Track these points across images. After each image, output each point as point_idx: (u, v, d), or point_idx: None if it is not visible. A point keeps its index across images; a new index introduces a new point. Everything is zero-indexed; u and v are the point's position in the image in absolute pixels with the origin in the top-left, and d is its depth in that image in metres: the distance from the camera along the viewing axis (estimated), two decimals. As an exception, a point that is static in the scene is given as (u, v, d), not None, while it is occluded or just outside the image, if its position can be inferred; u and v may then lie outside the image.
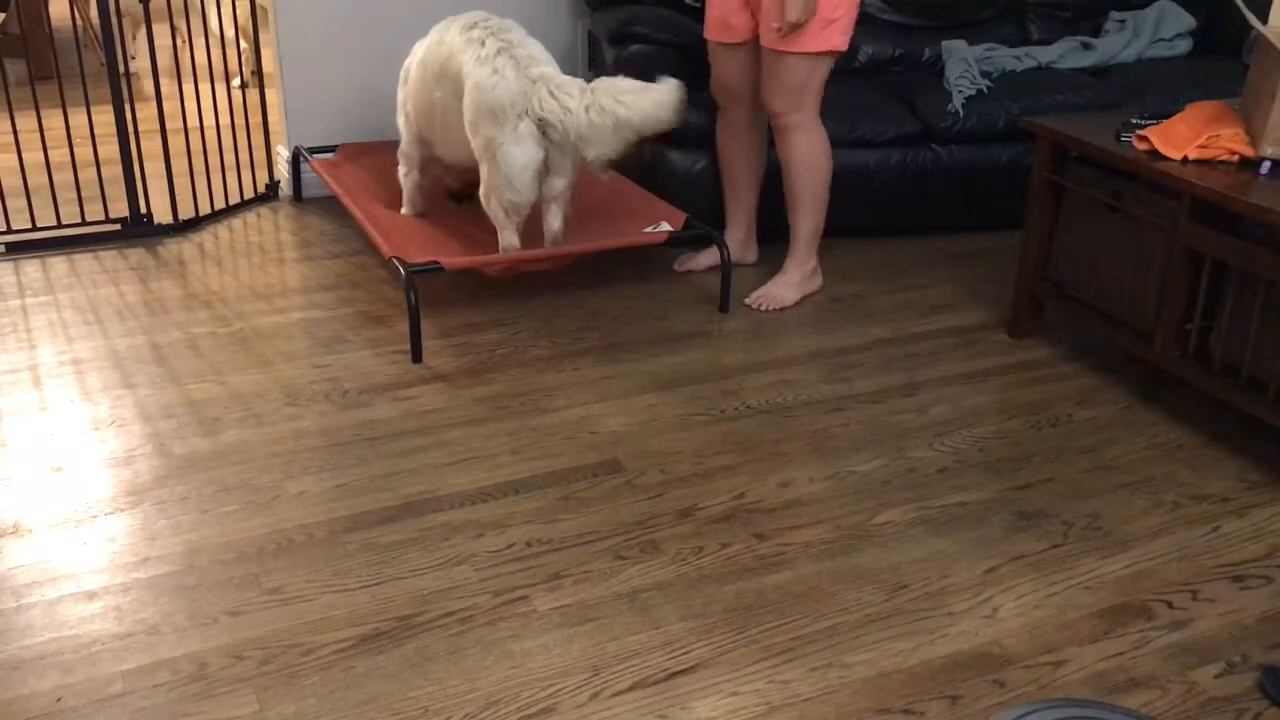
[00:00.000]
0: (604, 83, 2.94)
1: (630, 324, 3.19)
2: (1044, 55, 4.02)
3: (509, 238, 3.11)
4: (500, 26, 3.05)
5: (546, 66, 2.98)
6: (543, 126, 2.94)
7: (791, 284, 3.29)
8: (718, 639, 1.98)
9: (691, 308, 3.29)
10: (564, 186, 3.11)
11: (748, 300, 3.24)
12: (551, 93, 2.90)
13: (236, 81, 4.99)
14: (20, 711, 1.79)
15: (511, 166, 2.97)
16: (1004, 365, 3.00)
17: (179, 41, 4.87)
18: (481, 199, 3.11)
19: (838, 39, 3.02)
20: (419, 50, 3.26)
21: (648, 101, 2.88)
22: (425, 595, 2.07)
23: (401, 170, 3.45)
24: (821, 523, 2.31)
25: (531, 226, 3.17)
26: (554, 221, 3.17)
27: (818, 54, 3.03)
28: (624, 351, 3.02)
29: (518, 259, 3.13)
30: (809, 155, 3.16)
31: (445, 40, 3.11)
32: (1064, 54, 4.05)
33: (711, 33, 3.24)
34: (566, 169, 3.05)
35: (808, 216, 3.23)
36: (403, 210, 3.48)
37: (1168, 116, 2.73)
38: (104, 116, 3.61)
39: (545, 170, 3.02)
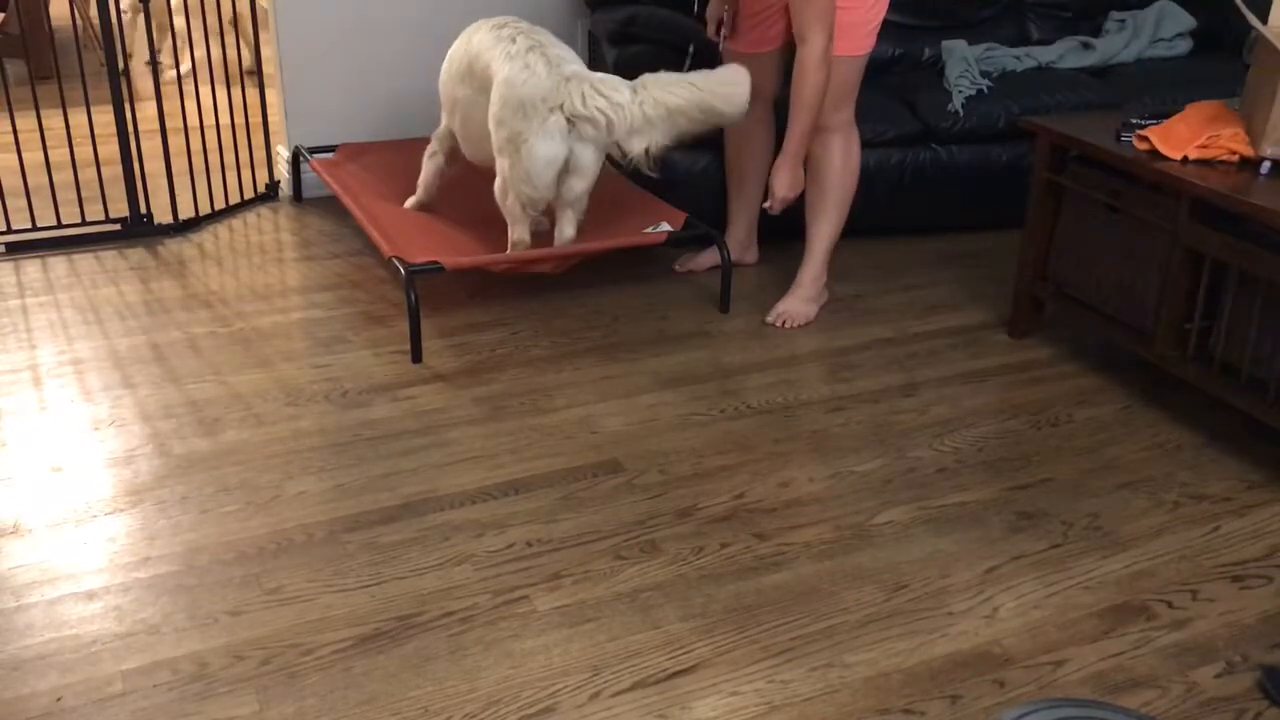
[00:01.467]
0: (649, 78, 2.96)
1: (630, 324, 3.19)
2: (1044, 55, 4.02)
3: (520, 232, 3.11)
4: (530, 28, 3.06)
5: (577, 66, 2.99)
6: (574, 124, 2.94)
7: (809, 298, 3.23)
8: (718, 639, 1.98)
9: (691, 308, 3.29)
10: (582, 190, 3.09)
11: (769, 319, 3.19)
12: (596, 89, 2.91)
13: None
14: (20, 711, 1.79)
15: (535, 161, 2.96)
16: (1004, 365, 3.00)
17: (178, 42, 4.87)
18: (496, 194, 3.11)
19: (875, 40, 3.06)
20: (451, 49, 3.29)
21: (715, 81, 2.92)
22: (425, 595, 2.07)
23: (429, 150, 3.46)
24: (821, 523, 2.31)
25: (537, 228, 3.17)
26: (567, 228, 3.16)
27: (862, 55, 3.04)
28: (624, 351, 3.02)
29: (518, 259, 3.12)
30: (849, 157, 3.14)
31: (472, 40, 3.13)
32: (1064, 54, 4.05)
33: (744, 46, 3.22)
34: (587, 171, 3.04)
35: (830, 223, 3.19)
36: (409, 201, 3.48)
37: (1168, 116, 2.73)
38: (104, 116, 3.61)
39: (566, 170, 3.01)
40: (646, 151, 2.97)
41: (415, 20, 3.99)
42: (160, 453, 2.50)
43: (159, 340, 3.02)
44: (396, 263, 2.97)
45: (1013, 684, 1.90)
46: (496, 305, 3.27)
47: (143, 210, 3.72)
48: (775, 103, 3.30)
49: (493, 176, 3.10)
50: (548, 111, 2.91)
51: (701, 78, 2.95)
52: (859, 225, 3.40)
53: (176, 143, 3.78)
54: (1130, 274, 2.73)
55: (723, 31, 3.25)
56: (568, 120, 2.93)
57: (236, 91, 3.94)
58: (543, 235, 3.22)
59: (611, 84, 2.93)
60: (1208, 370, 2.58)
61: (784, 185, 3.03)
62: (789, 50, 3.12)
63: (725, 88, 2.94)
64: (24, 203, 3.62)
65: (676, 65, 3.57)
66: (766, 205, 3.10)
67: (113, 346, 2.98)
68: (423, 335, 2.95)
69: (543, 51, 2.96)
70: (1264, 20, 3.63)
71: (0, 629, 1.96)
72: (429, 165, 3.46)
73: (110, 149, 3.65)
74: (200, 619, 2.00)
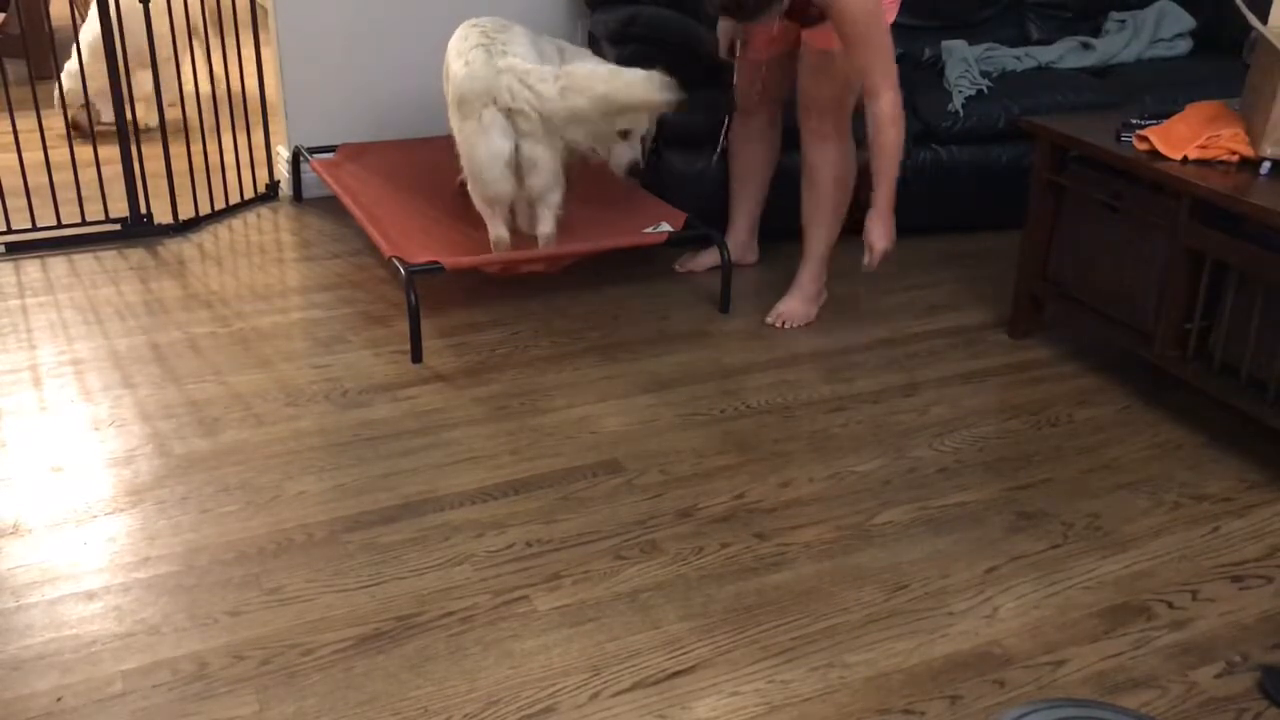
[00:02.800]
0: (576, 65, 2.98)
1: (630, 324, 3.19)
2: (1044, 55, 4.02)
3: (496, 229, 3.10)
4: (497, 27, 3.06)
5: (515, 58, 2.95)
6: (512, 117, 2.93)
7: (809, 298, 3.22)
8: (718, 639, 1.98)
9: (691, 308, 3.29)
10: (543, 186, 3.05)
11: (769, 319, 3.18)
12: (521, 80, 2.89)
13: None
14: (20, 711, 1.79)
15: (477, 158, 2.97)
16: (1004, 365, 3.00)
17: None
18: (470, 192, 3.12)
19: None
20: None
21: (625, 78, 2.92)
22: (425, 595, 2.07)
23: None
24: (821, 523, 2.31)
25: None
26: (543, 226, 3.13)
27: None
28: (624, 351, 3.02)
29: (518, 259, 3.12)
30: (845, 162, 3.12)
31: (450, 40, 3.15)
32: (1064, 54, 4.05)
33: (751, 51, 3.19)
34: (541, 166, 3.00)
35: (827, 226, 3.17)
36: None
37: (1168, 116, 2.73)
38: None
39: (518, 165, 2.99)
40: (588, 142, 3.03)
41: (415, 20, 3.99)
42: (160, 453, 2.50)
43: (159, 340, 3.02)
44: (396, 263, 2.97)
45: (1013, 684, 1.90)
46: (496, 305, 3.27)
47: (143, 210, 3.71)
48: (778, 105, 3.30)
49: None
50: (480, 107, 2.90)
51: (616, 71, 2.96)
52: (859, 225, 3.40)
53: (176, 142, 3.78)
54: (1130, 274, 2.73)
55: (736, 50, 3.23)
56: (506, 115, 2.92)
57: (236, 91, 3.94)
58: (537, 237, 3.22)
59: (539, 74, 2.91)
60: (1208, 370, 2.58)
61: (882, 238, 2.94)
62: (791, 55, 3.12)
63: (641, 83, 2.92)
64: (24, 203, 3.62)
65: (676, 66, 3.57)
66: (866, 262, 2.96)
67: (113, 346, 2.98)
68: (423, 335, 2.95)
69: (487, 48, 2.95)
70: (1264, 20, 3.63)
71: (0, 629, 1.96)
72: None
73: (110, 149, 3.65)
74: (200, 619, 2.00)
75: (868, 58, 2.82)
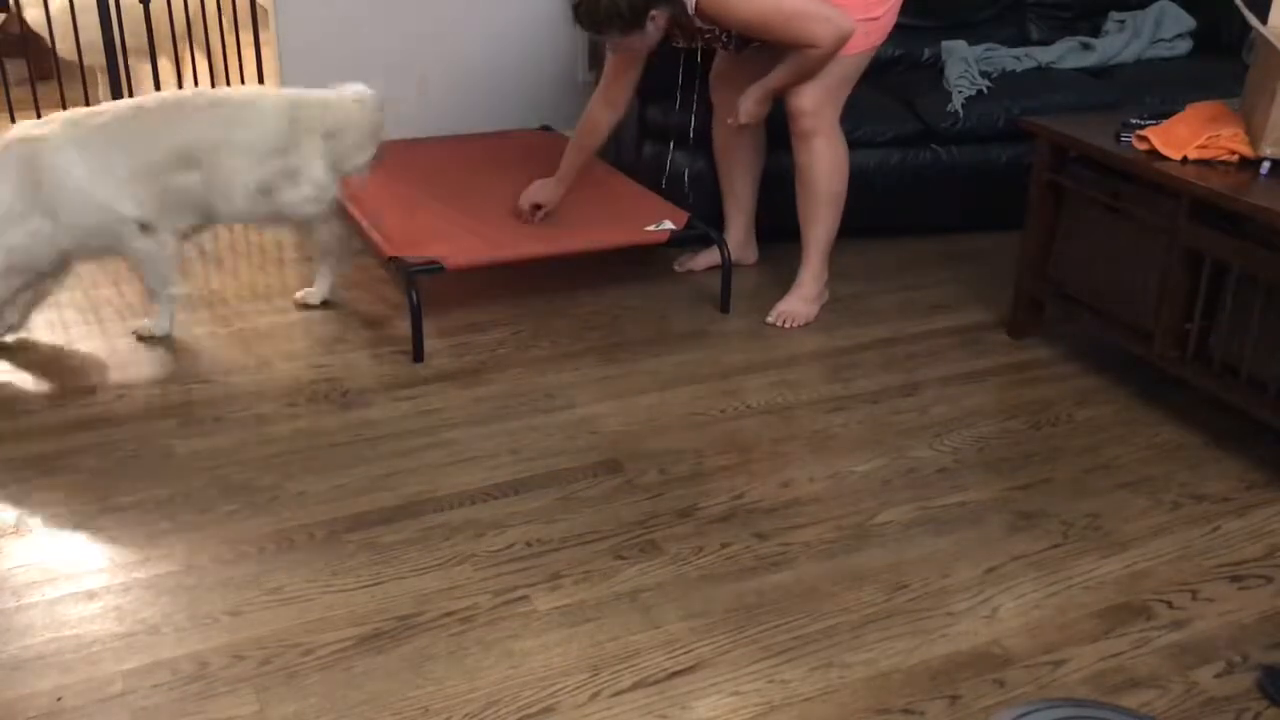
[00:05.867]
0: None
1: (630, 324, 3.19)
2: (1044, 55, 4.02)
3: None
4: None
5: None
6: None
7: (810, 298, 3.22)
8: (718, 639, 1.98)
9: (691, 308, 3.29)
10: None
11: (769, 319, 3.18)
12: None
13: None
14: (20, 711, 1.79)
15: None
16: (1004, 365, 3.00)
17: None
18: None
19: (877, 37, 3.00)
20: None
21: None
22: (425, 595, 2.07)
23: None
24: (821, 523, 2.31)
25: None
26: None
27: (857, 54, 2.98)
28: (624, 351, 3.02)
29: (518, 260, 3.12)
30: (835, 159, 3.10)
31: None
32: (1064, 54, 4.05)
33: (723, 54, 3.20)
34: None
35: (825, 225, 3.16)
36: None
37: (1168, 116, 2.73)
38: (104, 116, 3.60)
39: None
40: None
41: (415, 20, 3.99)
42: (160, 453, 2.50)
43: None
44: (397, 263, 2.97)
45: (1013, 684, 1.90)
46: (497, 305, 3.27)
47: (143, 210, 3.71)
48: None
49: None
50: None
51: None
52: (859, 225, 3.41)
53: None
54: (1130, 274, 2.73)
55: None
56: None
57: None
58: (539, 225, 3.21)
59: None
60: (1208, 370, 2.58)
61: (748, 114, 3.06)
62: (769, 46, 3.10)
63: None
64: (24, 203, 3.61)
65: (677, 66, 3.57)
66: (730, 121, 3.10)
67: (113, 346, 2.98)
68: (423, 335, 2.95)
69: None
70: (1264, 20, 3.63)
71: (0, 629, 1.96)
72: None
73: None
74: (200, 619, 2.00)
75: (793, 26, 2.82)
